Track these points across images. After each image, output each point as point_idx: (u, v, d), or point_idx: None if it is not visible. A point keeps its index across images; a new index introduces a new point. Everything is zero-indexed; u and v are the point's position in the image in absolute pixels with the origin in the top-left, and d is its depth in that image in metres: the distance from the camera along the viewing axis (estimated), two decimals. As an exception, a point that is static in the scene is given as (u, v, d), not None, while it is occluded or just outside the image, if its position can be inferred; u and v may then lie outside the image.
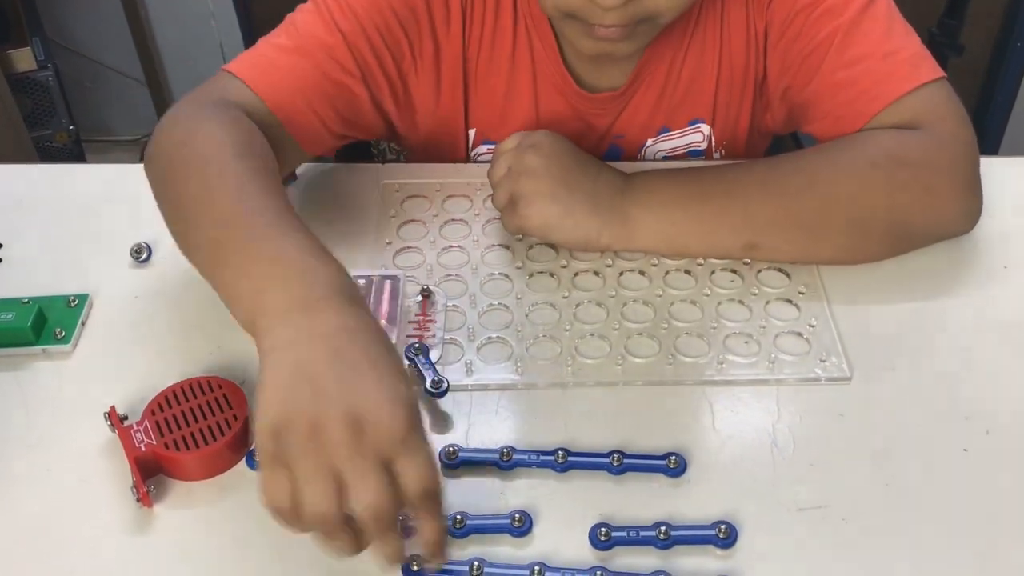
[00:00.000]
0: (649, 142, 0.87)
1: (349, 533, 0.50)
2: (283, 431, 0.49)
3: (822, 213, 0.71)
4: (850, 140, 0.74)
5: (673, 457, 0.59)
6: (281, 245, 0.58)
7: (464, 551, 0.56)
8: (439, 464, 0.57)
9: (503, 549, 0.56)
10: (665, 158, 0.87)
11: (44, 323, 0.70)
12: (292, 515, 0.50)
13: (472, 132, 0.87)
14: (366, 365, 0.51)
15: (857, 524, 0.56)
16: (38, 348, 0.69)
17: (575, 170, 0.72)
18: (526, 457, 0.60)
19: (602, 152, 0.87)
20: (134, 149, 2.20)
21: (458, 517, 0.56)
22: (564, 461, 0.59)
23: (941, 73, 0.75)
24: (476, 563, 0.54)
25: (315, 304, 0.54)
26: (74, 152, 2.00)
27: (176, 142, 0.68)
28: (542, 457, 0.60)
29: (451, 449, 0.60)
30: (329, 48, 0.76)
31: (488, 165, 0.76)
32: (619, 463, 0.59)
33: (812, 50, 0.77)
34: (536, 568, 0.53)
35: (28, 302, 0.70)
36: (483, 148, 0.88)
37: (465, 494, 0.59)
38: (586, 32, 0.72)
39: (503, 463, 0.60)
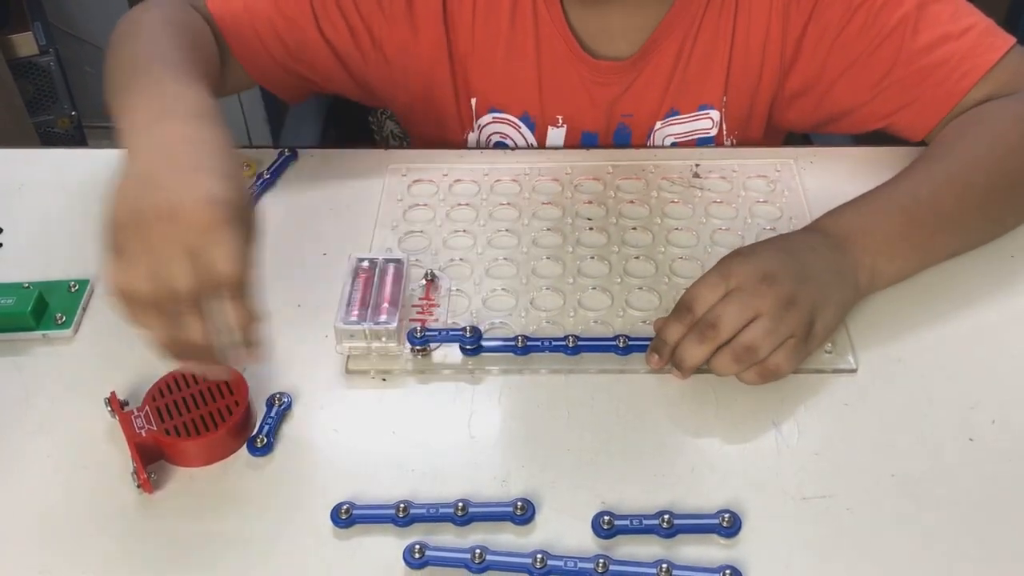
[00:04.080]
0: (658, 125, 0.86)
1: (165, 318, 0.55)
2: (116, 225, 0.55)
3: (1006, 198, 0.72)
4: (969, 123, 0.75)
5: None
6: (163, 80, 0.65)
7: (466, 539, 0.55)
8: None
9: (505, 537, 0.55)
10: (674, 144, 0.86)
11: (45, 308, 0.69)
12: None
13: (474, 101, 0.87)
14: (190, 168, 0.57)
15: (862, 514, 0.56)
16: (38, 333, 0.68)
17: (801, 263, 0.64)
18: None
19: (611, 132, 0.86)
20: (136, 135, 2.19)
21: (460, 505, 0.56)
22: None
23: (1012, 39, 0.77)
24: (478, 551, 0.53)
25: (166, 118, 0.60)
26: (76, 137, 1.99)
27: (124, 29, 0.76)
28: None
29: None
30: None
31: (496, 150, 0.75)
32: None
33: (881, 42, 0.77)
34: (539, 556, 0.53)
35: (29, 287, 0.70)
36: (488, 117, 0.87)
37: (467, 482, 0.58)
38: None
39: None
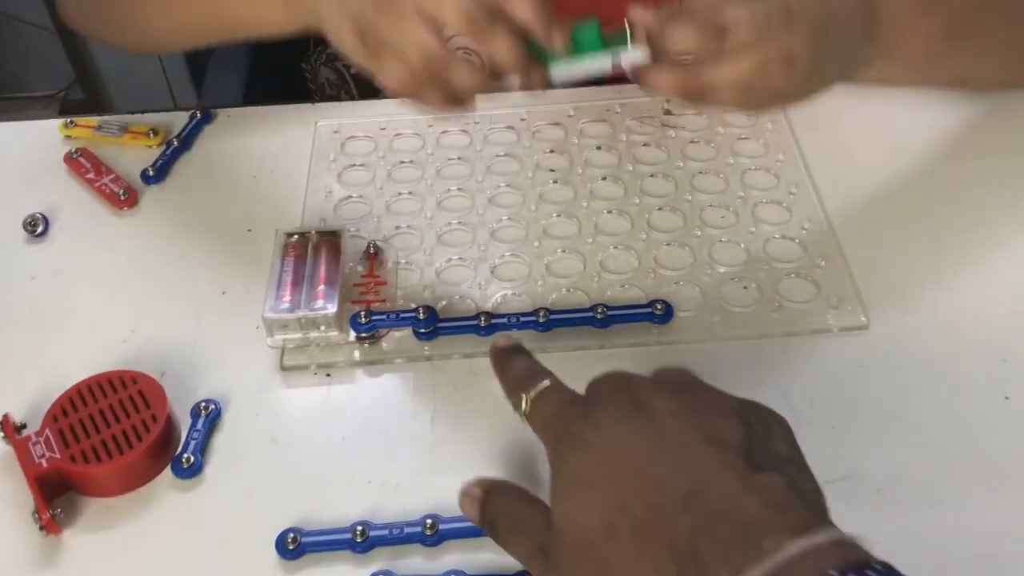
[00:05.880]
0: None
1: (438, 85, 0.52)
2: (348, 39, 0.53)
3: None
4: None
5: (658, 304, 0.56)
6: None
7: (438, 562, 0.47)
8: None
9: (484, 556, 0.47)
10: None
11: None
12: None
13: None
14: None
15: (893, 494, 0.48)
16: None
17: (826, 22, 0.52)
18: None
19: None
20: (51, 106, 2.04)
21: (428, 523, 0.47)
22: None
23: None
24: (454, 576, 0.45)
25: None
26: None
27: None
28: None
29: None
30: None
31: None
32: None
33: None
34: (526, 578, 0.45)
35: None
36: None
37: (434, 494, 0.49)
38: None
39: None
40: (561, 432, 0.40)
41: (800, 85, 0.53)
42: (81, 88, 1.94)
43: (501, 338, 0.48)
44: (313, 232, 0.60)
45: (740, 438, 0.37)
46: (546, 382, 0.43)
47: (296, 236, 0.60)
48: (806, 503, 0.35)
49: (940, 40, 0.59)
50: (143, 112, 0.74)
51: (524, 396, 0.43)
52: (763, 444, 0.37)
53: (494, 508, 0.43)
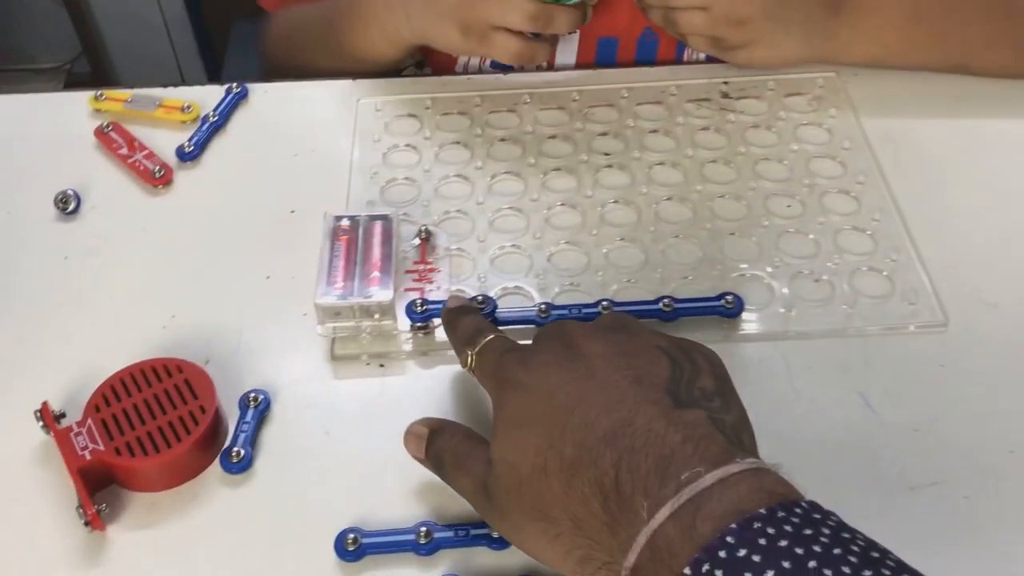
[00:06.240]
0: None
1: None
2: (460, 23, 0.63)
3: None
4: None
5: (728, 297, 0.54)
6: None
7: (508, 563, 0.44)
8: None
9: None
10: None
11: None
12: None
13: None
14: None
15: (982, 502, 0.46)
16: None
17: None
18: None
19: (634, 38, 0.73)
20: (56, 78, 2.00)
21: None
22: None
23: None
24: (525, 583, 0.43)
25: None
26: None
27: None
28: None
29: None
30: None
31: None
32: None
33: None
34: None
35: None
36: None
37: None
38: None
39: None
40: (501, 378, 0.43)
41: (762, 48, 0.64)
42: (87, 60, 1.90)
43: (452, 300, 0.52)
44: (363, 215, 0.57)
45: (667, 376, 0.38)
46: (490, 336, 0.46)
47: (346, 219, 0.57)
48: (727, 435, 0.36)
49: (912, 24, 0.64)
50: (176, 86, 0.71)
51: (469, 351, 0.46)
52: (690, 381, 0.39)
53: (439, 446, 0.44)
